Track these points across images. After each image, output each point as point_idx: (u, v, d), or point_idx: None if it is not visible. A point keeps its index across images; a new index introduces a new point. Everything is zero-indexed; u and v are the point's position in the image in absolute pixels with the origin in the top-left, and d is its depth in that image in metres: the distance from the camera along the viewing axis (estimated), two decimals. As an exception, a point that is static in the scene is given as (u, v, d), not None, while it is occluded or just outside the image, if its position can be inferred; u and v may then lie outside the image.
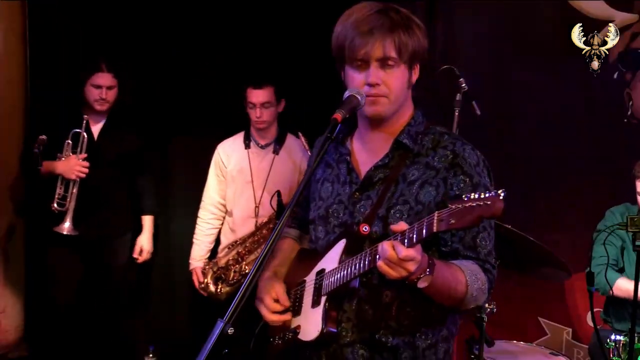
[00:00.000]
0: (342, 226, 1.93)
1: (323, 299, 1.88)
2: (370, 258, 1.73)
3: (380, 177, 1.90)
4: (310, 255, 2.04)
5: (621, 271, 3.42)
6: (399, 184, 1.86)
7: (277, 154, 3.92)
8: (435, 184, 1.83)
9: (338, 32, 1.86)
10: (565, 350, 3.97)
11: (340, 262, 1.85)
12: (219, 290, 3.87)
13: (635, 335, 2.86)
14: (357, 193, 1.92)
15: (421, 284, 1.66)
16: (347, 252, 1.85)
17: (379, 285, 1.84)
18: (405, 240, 1.63)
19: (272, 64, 4.23)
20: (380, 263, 1.65)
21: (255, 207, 3.89)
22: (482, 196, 1.51)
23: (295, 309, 1.99)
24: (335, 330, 1.86)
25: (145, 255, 4.14)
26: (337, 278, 1.84)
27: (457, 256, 1.84)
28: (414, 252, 1.61)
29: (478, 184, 1.84)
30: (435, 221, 1.57)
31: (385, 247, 1.63)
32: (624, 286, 3.26)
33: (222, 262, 3.92)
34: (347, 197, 1.93)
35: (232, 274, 3.86)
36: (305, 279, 2.00)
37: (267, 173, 3.90)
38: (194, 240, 4.06)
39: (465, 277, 1.75)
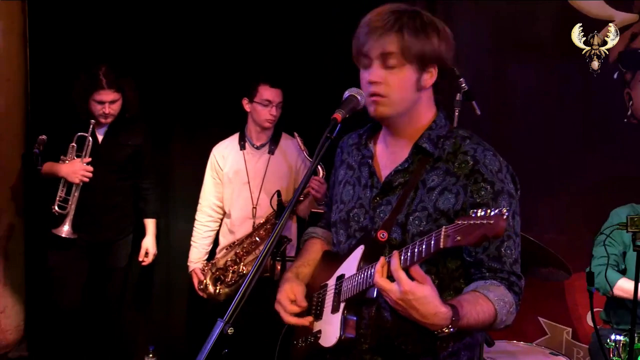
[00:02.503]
0: (362, 231, 1.91)
1: (342, 305, 1.86)
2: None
3: (400, 182, 1.85)
4: (333, 258, 2.01)
5: (622, 272, 3.41)
6: (418, 189, 1.82)
7: (273, 154, 3.92)
8: (455, 192, 1.78)
9: (356, 32, 1.84)
10: (565, 350, 3.97)
11: (358, 268, 1.83)
12: (217, 291, 3.87)
13: (635, 335, 2.86)
14: (378, 198, 1.88)
15: (442, 334, 1.64)
16: (365, 259, 1.82)
17: None
18: (415, 255, 1.61)
19: (271, 63, 4.24)
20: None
21: (253, 207, 3.88)
22: (488, 214, 1.49)
23: (318, 312, 1.97)
24: (353, 336, 1.83)
25: (151, 258, 4.15)
26: (354, 285, 1.82)
27: (481, 267, 1.79)
28: (406, 280, 1.59)
29: (501, 191, 1.78)
30: (442, 237, 1.55)
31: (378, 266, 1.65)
32: (625, 286, 3.25)
33: (220, 263, 3.92)
34: (368, 202, 1.90)
35: (230, 275, 3.86)
36: (327, 282, 1.98)
37: (263, 174, 3.89)
38: (192, 242, 4.06)
39: (494, 306, 1.70)
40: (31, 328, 4.51)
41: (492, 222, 1.47)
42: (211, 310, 3.93)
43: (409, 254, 1.63)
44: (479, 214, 1.50)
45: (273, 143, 3.94)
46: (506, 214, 1.47)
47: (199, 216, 4.05)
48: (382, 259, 1.67)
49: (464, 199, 1.77)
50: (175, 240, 4.55)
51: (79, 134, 3.80)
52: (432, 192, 1.80)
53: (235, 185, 3.94)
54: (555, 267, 3.02)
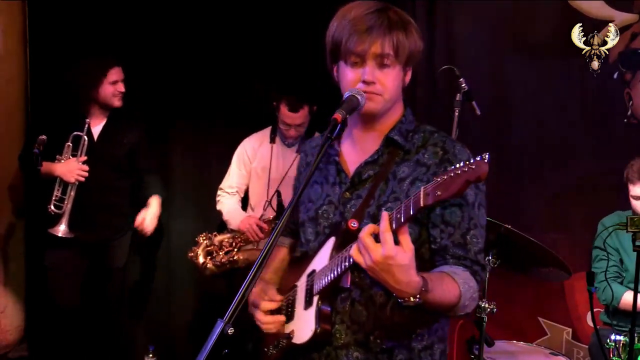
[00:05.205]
0: (332, 227, 1.91)
1: (315, 298, 1.84)
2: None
3: (370, 174, 1.88)
4: (301, 260, 2.01)
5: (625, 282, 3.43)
6: (389, 181, 1.84)
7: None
8: (426, 180, 1.79)
9: (334, 29, 1.86)
10: (565, 350, 3.97)
11: (331, 259, 1.82)
12: (206, 264, 3.85)
13: (635, 335, 2.86)
14: (348, 193, 1.90)
15: (407, 304, 1.63)
16: (338, 249, 1.81)
17: (372, 285, 1.80)
18: (393, 222, 1.59)
19: (281, 59, 4.21)
20: (353, 248, 1.63)
21: (266, 201, 3.87)
22: (467, 164, 1.50)
23: (289, 314, 1.95)
24: (329, 328, 1.82)
25: (148, 227, 3.91)
26: (327, 274, 1.81)
27: (445, 254, 1.80)
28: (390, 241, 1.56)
29: None
30: (421, 196, 1.54)
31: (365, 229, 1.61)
32: (629, 299, 3.25)
33: (216, 240, 3.92)
34: (337, 198, 1.92)
35: (221, 255, 3.85)
36: (296, 283, 1.98)
37: (285, 171, 3.87)
38: (225, 217, 3.96)
39: (459, 288, 1.70)
40: (31, 328, 4.50)
41: (473, 167, 1.48)
42: (215, 310, 3.92)
43: (393, 222, 1.60)
44: (457, 166, 1.51)
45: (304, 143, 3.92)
46: (487, 157, 1.48)
47: (223, 197, 3.99)
48: (385, 214, 1.61)
49: None
50: (175, 240, 4.54)
51: (75, 133, 3.80)
52: (403, 182, 1.83)
53: (261, 181, 3.93)
54: (555, 267, 3.03)
